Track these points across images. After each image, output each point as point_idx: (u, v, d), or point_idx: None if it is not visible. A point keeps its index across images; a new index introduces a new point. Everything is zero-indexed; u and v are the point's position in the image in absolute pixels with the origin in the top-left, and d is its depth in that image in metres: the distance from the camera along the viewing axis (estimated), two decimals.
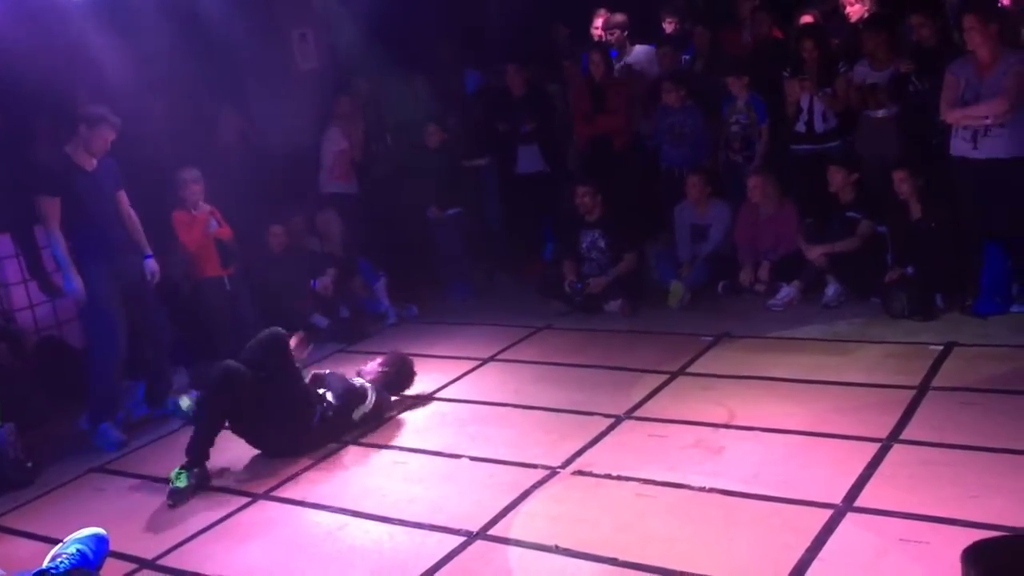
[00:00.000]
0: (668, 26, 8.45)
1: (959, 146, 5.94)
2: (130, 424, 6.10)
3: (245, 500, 4.85)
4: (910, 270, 6.22)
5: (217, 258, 6.83)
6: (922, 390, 5.01)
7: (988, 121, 5.69)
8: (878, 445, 4.44)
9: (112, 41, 7.11)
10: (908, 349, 5.62)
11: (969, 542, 3.13)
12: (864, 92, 6.72)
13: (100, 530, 3.46)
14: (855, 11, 7.31)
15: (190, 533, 4.58)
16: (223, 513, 4.74)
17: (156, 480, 5.25)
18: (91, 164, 5.72)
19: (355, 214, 8.08)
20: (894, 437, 4.52)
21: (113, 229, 5.86)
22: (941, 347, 5.53)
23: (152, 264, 6.10)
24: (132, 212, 6.07)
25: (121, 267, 5.83)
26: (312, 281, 7.52)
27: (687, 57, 8.29)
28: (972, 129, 5.81)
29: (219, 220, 6.89)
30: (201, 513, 4.77)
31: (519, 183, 8.25)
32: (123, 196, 6.00)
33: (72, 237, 5.68)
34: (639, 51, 8.41)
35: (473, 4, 9.62)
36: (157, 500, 5.02)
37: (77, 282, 5.60)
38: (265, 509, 4.76)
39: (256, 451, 5.37)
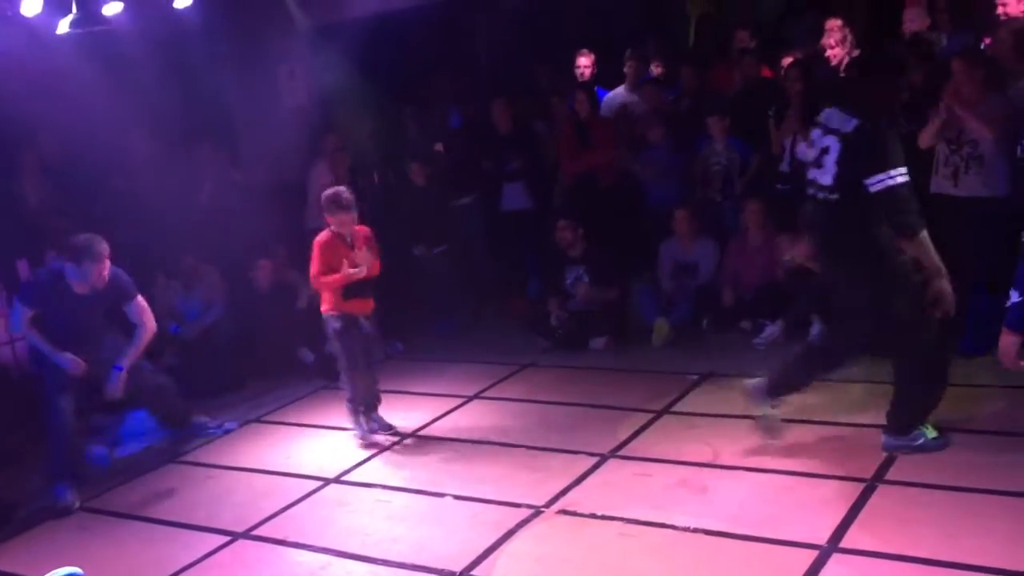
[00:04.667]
0: (656, 69, 8.51)
1: (940, 183, 5.99)
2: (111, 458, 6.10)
3: (225, 539, 4.79)
4: None
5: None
6: None
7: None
8: (863, 485, 4.43)
9: (99, 77, 7.13)
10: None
11: None
12: None
13: (76, 569, 3.41)
14: (835, 55, 7.41)
15: (169, 573, 4.51)
16: (203, 552, 4.68)
17: (137, 519, 5.19)
18: (84, 289, 5.48)
19: None
20: (879, 477, 4.51)
21: (71, 347, 5.52)
22: None
23: (117, 378, 5.60)
24: (146, 322, 5.72)
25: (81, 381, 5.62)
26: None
27: (672, 96, 8.36)
28: (953, 166, 5.88)
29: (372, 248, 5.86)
30: (180, 552, 4.70)
31: (504, 220, 8.27)
32: (135, 306, 5.69)
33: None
34: (616, 93, 8.47)
35: (460, 40, 9.71)
36: (134, 539, 4.96)
37: (68, 359, 5.47)
38: (245, 548, 4.70)
39: (236, 488, 5.34)
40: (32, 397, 6.61)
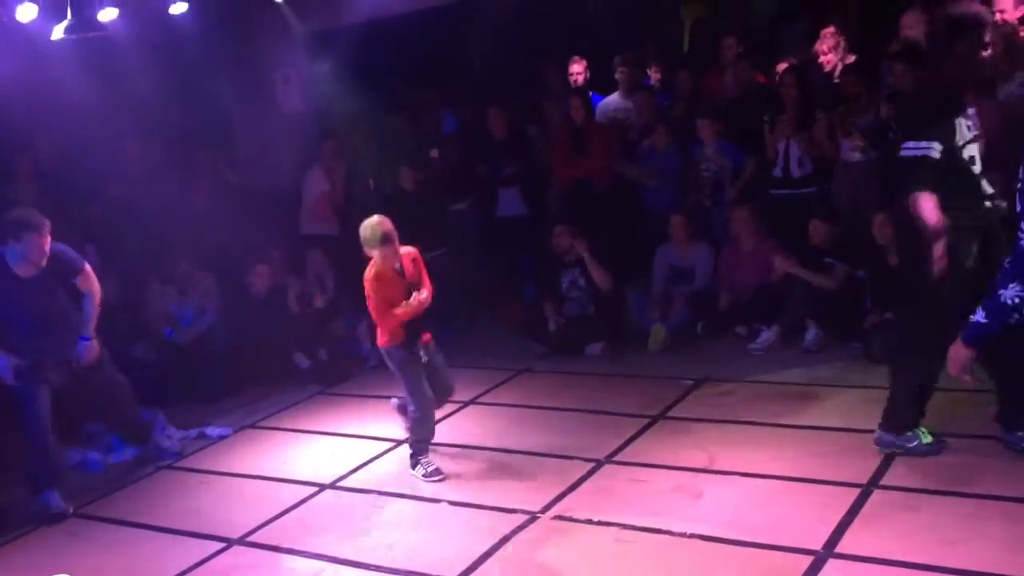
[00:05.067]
0: (654, 74, 8.51)
1: None
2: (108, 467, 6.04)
3: (220, 546, 4.77)
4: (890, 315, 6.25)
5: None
6: None
7: None
8: (858, 490, 4.43)
9: (94, 83, 7.12)
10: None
11: None
12: (834, 120, 6.80)
13: None
14: (829, 61, 7.43)
15: None
16: (197, 559, 4.65)
17: (130, 525, 5.17)
18: (29, 271, 5.30)
19: (336, 256, 8.08)
20: (874, 482, 4.50)
21: (36, 334, 5.40)
22: None
23: (86, 348, 5.52)
24: (93, 289, 5.57)
25: (42, 361, 5.43)
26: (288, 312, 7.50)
27: (666, 103, 8.36)
28: None
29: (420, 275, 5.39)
30: (175, 559, 4.68)
31: (500, 226, 8.27)
32: (83, 276, 5.51)
33: None
34: (610, 99, 8.47)
35: (455, 46, 9.70)
36: (128, 546, 4.94)
37: (4, 360, 5.29)
38: (240, 555, 4.68)
39: (231, 494, 5.32)
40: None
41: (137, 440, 6.09)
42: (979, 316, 3.50)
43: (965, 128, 4.47)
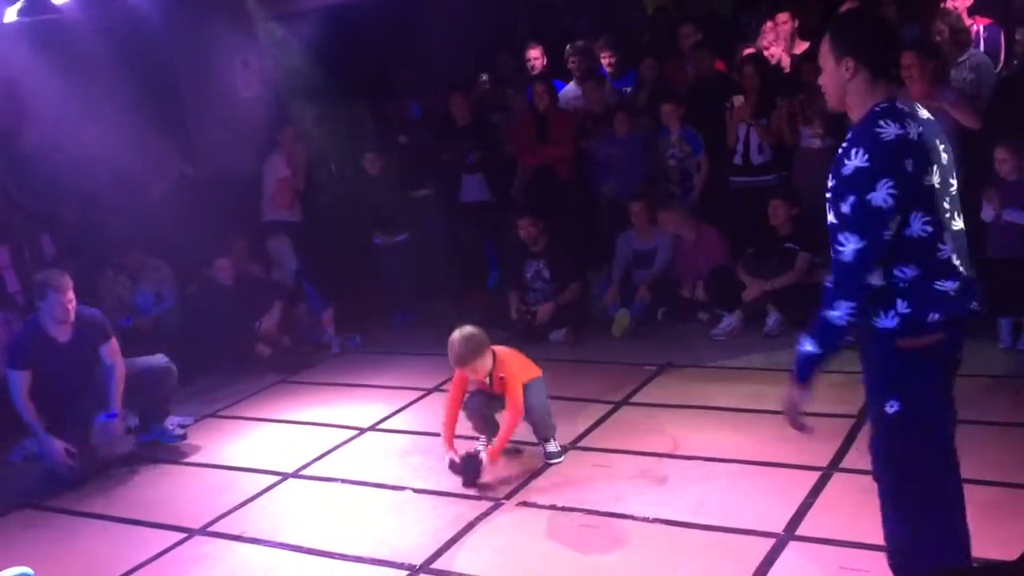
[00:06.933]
0: (605, 60, 8.50)
1: None
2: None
3: (181, 536, 4.73)
4: None
5: None
6: (860, 419, 5.05)
7: None
8: (819, 473, 4.48)
9: (47, 67, 6.98)
10: (847, 378, 5.61)
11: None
12: (793, 107, 6.85)
13: (27, 569, 3.35)
14: (773, 54, 7.48)
15: (123, 571, 4.44)
16: (158, 550, 4.61)
17: (90, 516, 5.10)
18: (65, 334, 5.46)
19: (298, 242, 8.02)
20: (834, 465, 4.56)
21: (80, 401, 5.51)
22: None
23: (112, 427, 5.51)
24: (118, 362, 5.60)
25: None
26: (257, 323, 7.39)
27: (628, 89, 8.36)
28: None
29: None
30: (135, 550, 4.63)
31: (463, 212, 8.24)
32: (110, 347, 5.58)
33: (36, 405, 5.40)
34: (568, 88, 8.45)
35: (418, 32, 9.66)
36: (88, 537, 4.87)
37: (57, 447, 5.36)
38: (201, 545, 4.64)
39: (193, 483, 5.27)
40: None
41: (152, 419, 5.96)
42: (809, 347, 2.97)
43: None
